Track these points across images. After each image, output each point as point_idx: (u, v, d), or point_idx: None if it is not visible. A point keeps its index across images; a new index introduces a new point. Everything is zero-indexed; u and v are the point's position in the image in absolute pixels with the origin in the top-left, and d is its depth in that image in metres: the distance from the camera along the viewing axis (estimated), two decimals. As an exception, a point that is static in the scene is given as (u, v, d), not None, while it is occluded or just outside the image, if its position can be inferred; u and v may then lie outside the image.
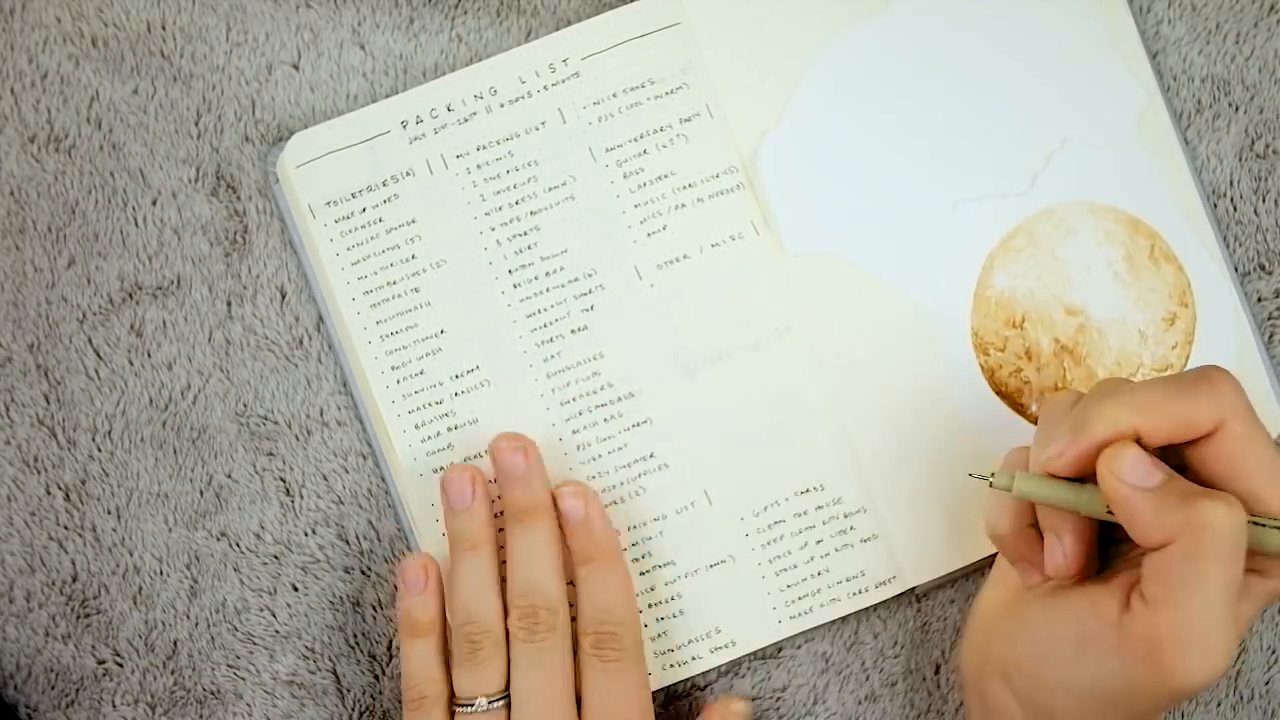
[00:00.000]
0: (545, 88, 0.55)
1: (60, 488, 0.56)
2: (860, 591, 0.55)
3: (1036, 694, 0.47)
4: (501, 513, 0.54)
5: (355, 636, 0.56)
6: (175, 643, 0.56)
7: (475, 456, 0.55)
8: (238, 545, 0.56)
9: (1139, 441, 0.44)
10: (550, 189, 0.55)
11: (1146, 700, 0.44)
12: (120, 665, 0.56)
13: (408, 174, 0.55)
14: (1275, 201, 0.57)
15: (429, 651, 0.53)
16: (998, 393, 0.55)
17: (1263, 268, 0.57)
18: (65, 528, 0.56)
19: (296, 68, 0.56)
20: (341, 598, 0.56)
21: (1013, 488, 0.46)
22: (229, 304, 0.56)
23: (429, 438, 0.55)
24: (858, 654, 0.56)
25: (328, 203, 0.55)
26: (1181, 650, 0.42)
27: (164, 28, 0.56)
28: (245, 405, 0.56)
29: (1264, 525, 0.44)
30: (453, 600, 0.53)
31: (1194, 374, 0.45)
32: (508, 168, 0.55)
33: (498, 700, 0.51)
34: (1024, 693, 0.47)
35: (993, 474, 0.47)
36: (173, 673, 0.56)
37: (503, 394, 0.55)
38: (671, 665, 0.55)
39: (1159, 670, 0.43)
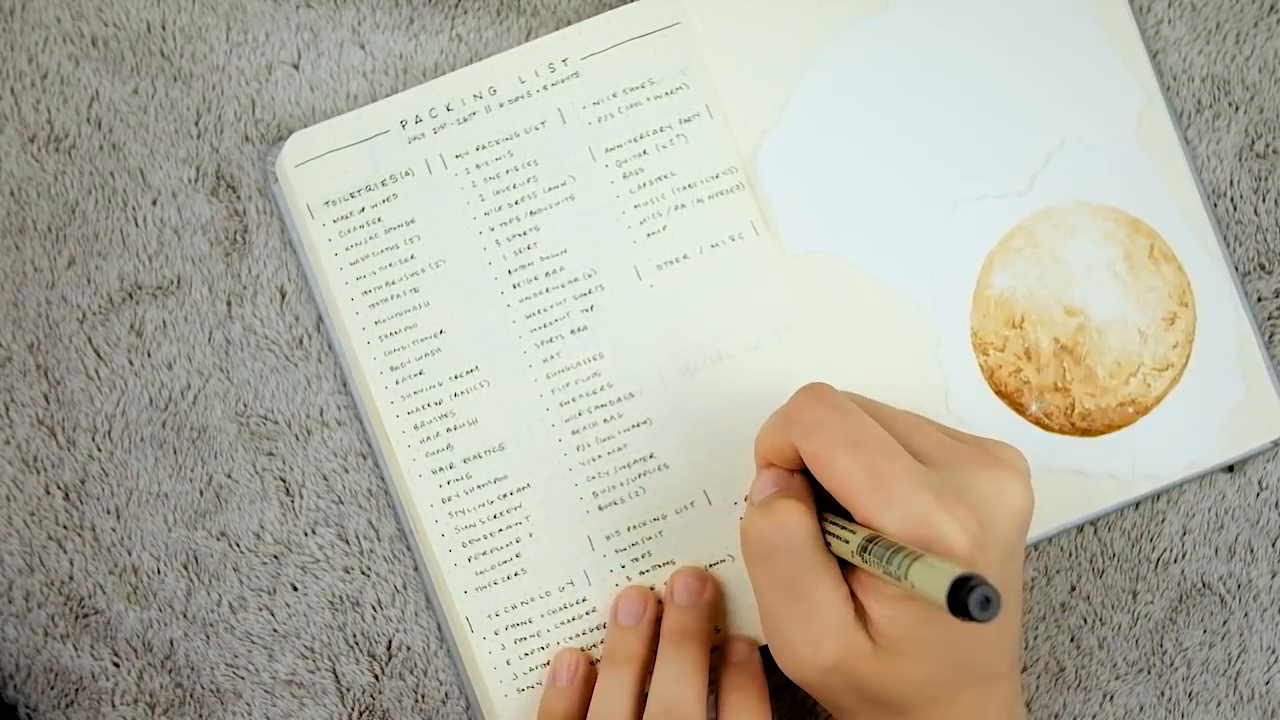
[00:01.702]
0: (545, 87, 0.55)
1: (60, 487, 0.56)
2: (860, 591, 0.55)
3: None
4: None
5: (355, 636, 0.56)
6: (173, 642, 0.56)
7: (475, 457, 0.55)
8: (237, 545, 0.56)
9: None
10: (550, 189, 0.55)
11: (796, 684, 0.48)
12: (119, 665, 0.56)
13: (407, 174, 0.55)
14: (1275, 201, 0.57)
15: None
16: (997, 393, 0.55)
17: (1263, 267, 0.57)
18: (64, 527, 0.56)
19: (296, 68, 0.56)
20: (341, 598, 0.56)
21: None
22: (229, 304, 0.56)
23: (428, 438, 0.55)
24: (857, 654, 0.56)
25: (327, 202, 0.55)
26: (770, 643, 0.48)
27: (164, 28, 0.56)
28: (245, 405, 0.56)
29: (838, 536, 0.46)
30: (592, 709, 0.53)
31: (787, 402, 0.48)
32: (507, 168, 0.55)
33: None
34: None
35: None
36: (171, 672, 0.56)
37: (502, 394, 0.55)
38: (671, 665, 0.55)
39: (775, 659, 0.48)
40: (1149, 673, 0.57)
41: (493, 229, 0.55)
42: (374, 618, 0.56)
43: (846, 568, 0.46)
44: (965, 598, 0.37)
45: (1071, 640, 0.57)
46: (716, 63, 0.55)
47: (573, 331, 0.55)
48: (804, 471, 0.49)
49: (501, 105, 0.55)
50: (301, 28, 0.56)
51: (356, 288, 0.55)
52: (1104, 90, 0.56)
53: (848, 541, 0.45)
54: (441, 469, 0.55)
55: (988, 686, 0.47)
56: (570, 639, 0.55)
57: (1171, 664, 0.57)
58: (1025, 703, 0.56)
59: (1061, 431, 0.55)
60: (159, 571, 0.56)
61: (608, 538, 0.55)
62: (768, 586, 0.47)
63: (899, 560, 0.41)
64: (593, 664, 0.55)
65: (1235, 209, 0.57)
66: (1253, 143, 0.57)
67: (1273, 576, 0.57)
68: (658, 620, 0.54)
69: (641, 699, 0.53)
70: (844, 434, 0.45)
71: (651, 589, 0.55)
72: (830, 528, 0.46)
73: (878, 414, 0.47)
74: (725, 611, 0.55)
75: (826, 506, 0.48)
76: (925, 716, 0.47)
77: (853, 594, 0.46)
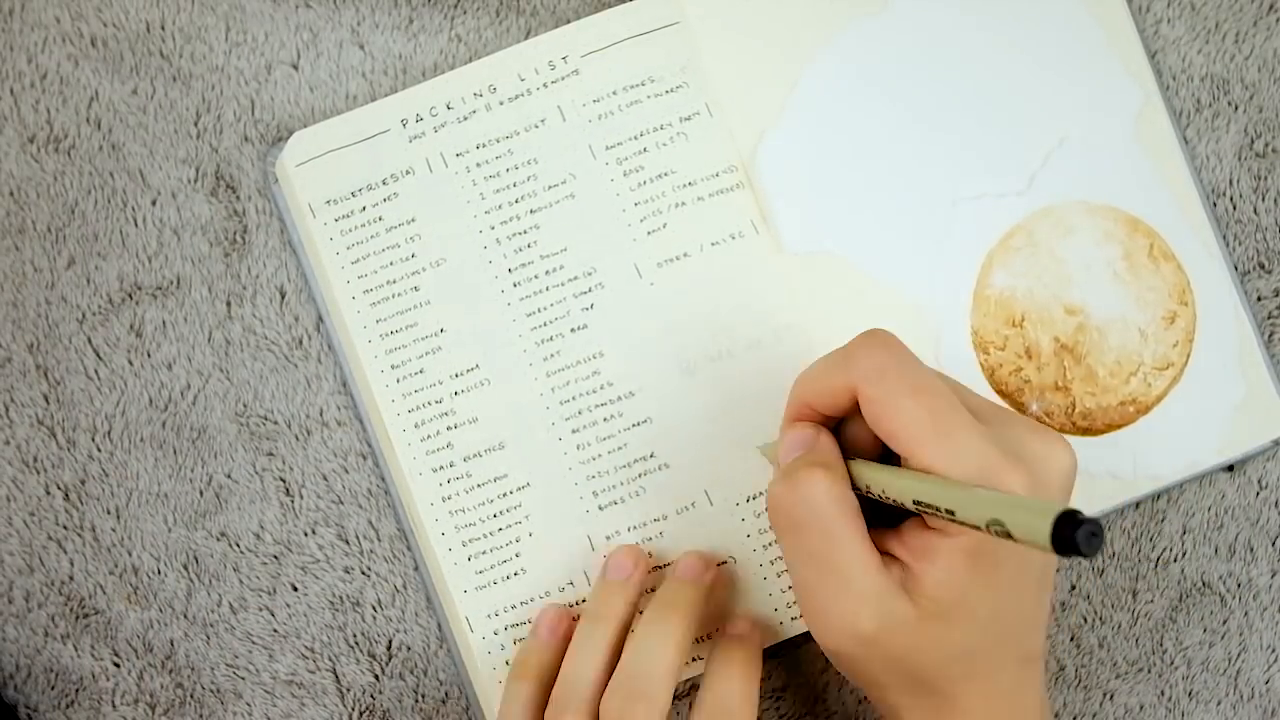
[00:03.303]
0: (545, 86, 0.55)
1: (60, 488, 0.56)
2: (860, 591, 0.55)
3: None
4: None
5: (355, 636, 0.56)
6: (174, 642, 0.56)
7: (475, 455, 0.55)
8: (237, 545, 0.56)
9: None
10: (550, 187, 0.55)
11: (831, 659, 0.47)
12: (119, 665, 0.56)
13: (407, 173, 0.55)
14: (1275, 200, 0.57)
15: (524, 698, 0.51)
16: (998, 391, 0.55)
17: (1262, 266, 0.57)
18: (64, 528, 0.56)
19: (296, 68, 0.56)
20: (341, 598, 0.56)
21: (768, 455, 0.53)
22: (229, 304, 0.56)
23: (428, 437, 0.55)
24: (858, 653, 0.56)
25: (327, 202, 0.55)
26: (805, 618, 0.47)
27: (163, 28, 0.56)
28: (245, 405, 0.56)
29: (885, 484, 0.45)
30: (564, 665, 0.51)
31: (842, 347, 0.47)
32: (507, 166, 0.55)
33: None
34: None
35: (763, 445, 0.54)
36: (172, 673, 0.56)
37: (502, 393, 0.55)
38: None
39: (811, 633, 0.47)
40: (1149, 672, 0.57)
41: (493, 227, 0.55)
42: (374, 618, 0.56)
43: (889, 530, 0.45)
44: (1074, 532, 0.36)
45: (1071, 639, 0.57)
46: (716, 61, 0.55)
47: (573, 330, 0.55)
48: (832, 428, 0.48)
49: (501, 104, 0.55)
50: (301, 28, 0.56)
51: (357, 286, 0.55)
52: (1103, 90, 0.56)
53: (889, 496, 0.44)
54: (441, 468, 0.55)
55: (1024, 668, 0.47)
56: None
57: (1171, 663, 0.57)
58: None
59: (1062, 430, 0.55)
60: (159, 572, 0.56)
61: (608, 538, 0.55)
62: (797, 558, 0.46)
63: (971, 504, 0.40)
64: (575, 620, 0.54)
65: (1235, 208, 0.57)
66: (1252, 142, 0.57)
67: (1273, 576, 0.57)
68: (644, 586, 0.54)
69: (613, 660, 0.51)
70: (909, 380, 0.44)
71: (649, 555, 0.55)
72: (873, 475, 0.45)
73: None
74: (731, 612, 0.55)
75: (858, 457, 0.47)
76: (965, 691, 0.46)
77: (892, 557, 0.45)
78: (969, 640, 0.45)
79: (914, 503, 0.43)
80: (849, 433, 0.48)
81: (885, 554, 0.45)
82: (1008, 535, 0.38)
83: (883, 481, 0.44)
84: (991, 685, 0.46)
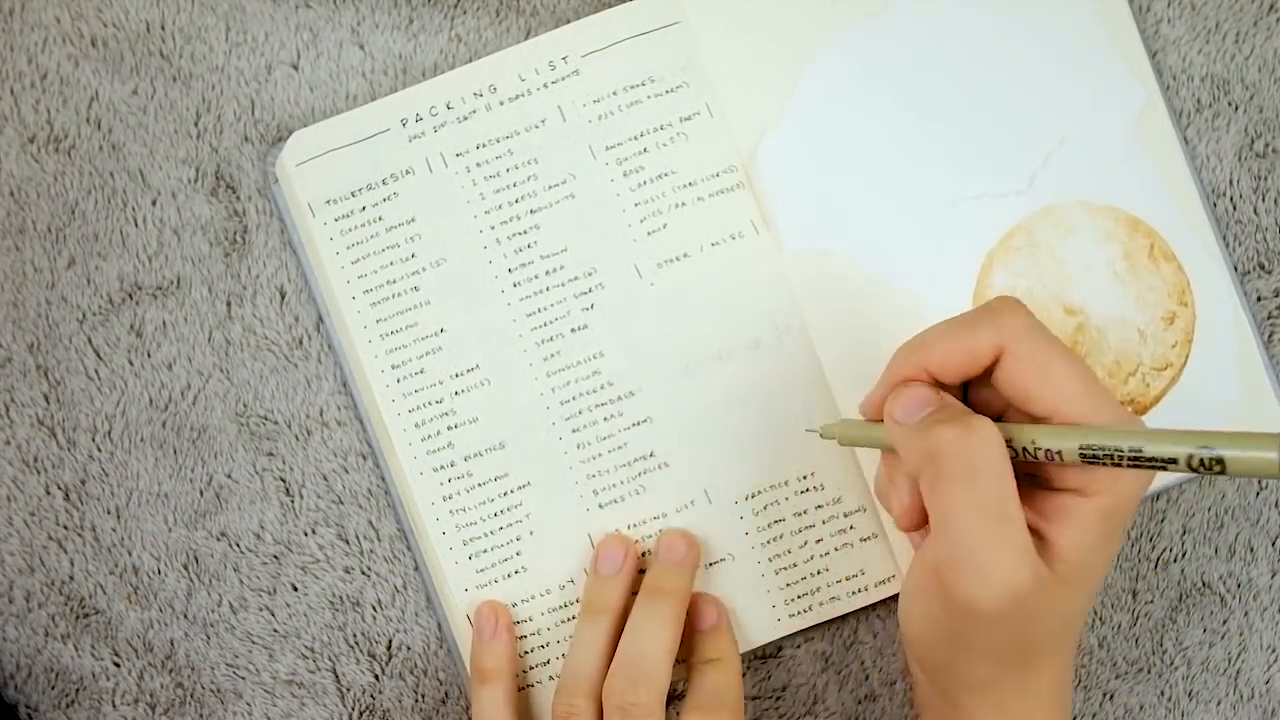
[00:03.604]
0: (545, 86, 0.55)
1: (60, 488, 0.56)
2: (860, 590, 0.55)
3: (921, 657, 0.48)
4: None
5: (355, 636, 0.56)
6: (174, 642, 0.56)
7: (475, 455, 0.55)
8: (237, 545, 0.56)
9: (939, 380, 0.46)
10: (550, 187, 0.55)
11: (957, 626, 0.45)
12: (119, 665, 0.56)
13: (407, 172, 0.55)
14: (1275, 201, 0.57)
15: (496, 699, 0.53)
16: (997, 391, 0.55)
17: (1262, 266, 0.57)
18: (65, 528, 0.56)
19: (296, 68, 0.56)
20: (341, 598, 0.56)
21: (833, 435, 0.50)
22: (229, 304, 0.56)
23: (428, 436, 0.55)
24: (857, 653, 0.56)
25: (327, 201, 0.55)
26: (955, 573, 0.44)
27: (163, 28, 0.56)
28: (245, 405, 0.56)
29: (1030, 455, 0.44)
30: (568, 656, 0.53)
31: (979, 308, 0.46)
32: (507, 166, 0.55)
33: None
34: (916, 660, 0.48)
35: (822, 426, 0.52)
36: (172, 672, 0.56)
37: (502, 393, 0.55)
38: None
39: (944, 594, 0.44)
40: (1149, 672, 0.57)
41: (493, 227, 0.55)
42: (374, 618, 0.56)
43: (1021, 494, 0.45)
44: None
45: (1072, 639, 0.57)
46: (716, 61, 0.55)
47: (573, 330, 0.55)
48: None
49: (502, 103, 0.55)
50: (301, 28, 0.56)
51: (357, 286, 0.55)
52: (1104, 89, 0.56)
53: (1043, 448, 0.44)
54: (442, 467, 0.55)
55: (1074, 647, 0.48)
56: (570, 637, 0.55)
57: (1171, 663, 0.57)
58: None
59: (1061, 430, 0.55)
60: (159, 572, 0.56)
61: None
62: (966, 511, 0.43)
63: (1175, 435, 0.40)
64: (511, 608, 0.55)
65: (1235, 208, 0.57)
66: (1252, 142, 0.57)
67: (1273, 576, 0.57)
68: (636, 573, 0.55)
69: (615, 644, 0.53)
70: (1055, 341, 0.44)
71: (636, 541, 0.55)
72: (1027, 432, 0.45)
73: None
74: (724, 609, 0.55)
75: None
76: (1045, 670, 0.46)
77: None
78: (1082, 605, 0.45)
79: (1081, 449, 0.43)
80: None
81: None
82: (1217, 466, 0.39)
83: (1032, 434, 0.44)
84: (1063, 660, 0.47)
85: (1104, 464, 0.42)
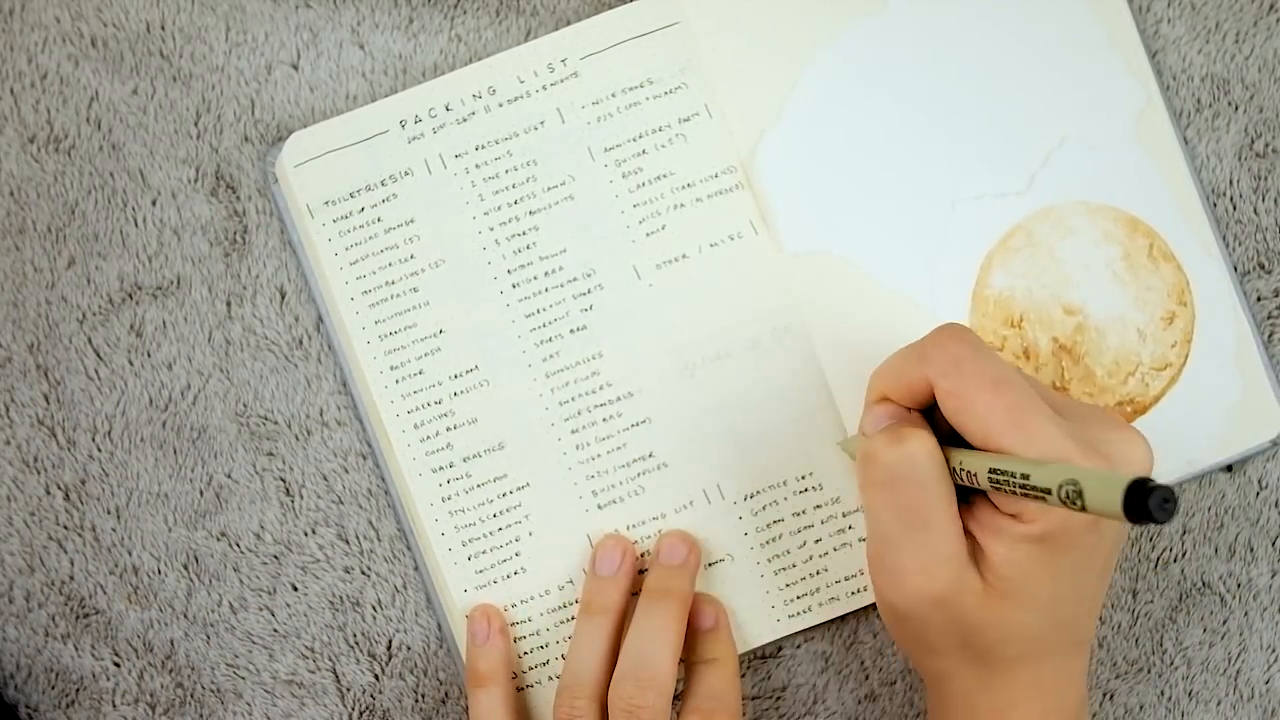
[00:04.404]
0: (544, 87, 0.55)
1: (60, 488, 0.56)
2: (859, 590, 0.55)
3: (895, 640, 0.50)
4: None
5: (355, 636, 0.56)
6: (174, 642, 0.56)
7: (474, 456, 0.55)
8: (237, 545, 0.56)
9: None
10: (549, 189, 0.55)
11: (891, 620, 0.48)
12: (119, 665, 0.56)
13: (406, 173, 0.55)
14: (1275, 201, 0.57)
15: (494, 702, 0.53)
16: (997, 392, 0.55)
17: (1262, 266, 0.57)
18: (65, 528, 0.56)
19: (296, 68, 0.56)
20: (341, 598, 0.56)
21: (847, 450, 0.54)
22: (229, 304, 0.56)
23: (428, 437, 0.55)
24: (856, 653, 0.57)
25: (326, 202, 0.55)
26: (876, 572, 0.47)
27: (163, 28, 0.56)
28: (245, 405, 0.56)
29: (963, 463, 0.45)
30: (568, 658, 0.53)
31: (918, 341, 0.48)
32: (506, 167, 0.55)
33: None
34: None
35: (842, 441, 0.55)
36: (172, 672, 0.56)
37: (502, 394, 0.55)
38: (671, 665, 0.55)
39: (874, 590, 0.48)
40: (1149, 672, 0.57)
41: (492, 229, 0.55)
42: (374, 618, 0.56)
43: (962, 507, 0.46)
44: (1147, 499, 0.36)
45: (1071, 639, 0.57)
46: (715, 62, 0.55)
47: (572, 331, 0.55)
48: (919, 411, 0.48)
49: (501, 105, 0.55)
50: (301, 28, 0.56)
51: (356, 287, 0.55)
52: (1103, 90, 0.56)
53: (966, 469, 0.45)
54: (441, 468, 0.55)
55: (1074, 654, 0.48)
56: (569, 638, 0.55)
57: (1171, 663, 0.57)
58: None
59: (1061, 431, 0.55)
60: (159, 571, 0.56)
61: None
62: (888, 513, 0.46)
63: (1044, 472, 0.41)
64: (510, 608, 0.55)
65: (1235, 208, 0.57)
66: (1252, 142, 0.57)
67: (1273, 576, 0.57)
68: (635, 573, 0.55)
69: (615, 650, 0.53)
70: (986, 373, 0.45)
71: (634, 542, 0.55)
72: (954, 454, 0.46)
73: None
74: (724, 609, 0.55)
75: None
76: (1016, 671, 0.47)
77: (968, 533, 0.46)
78: (1028, 622, 0.46)
79: (990, 473, 0.43)
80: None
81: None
82: (1080, 502, 0.39)
83: (960, 456, 0.45)
84: (1042, 668, 0.47)
85: (1007, 491, 0.43)
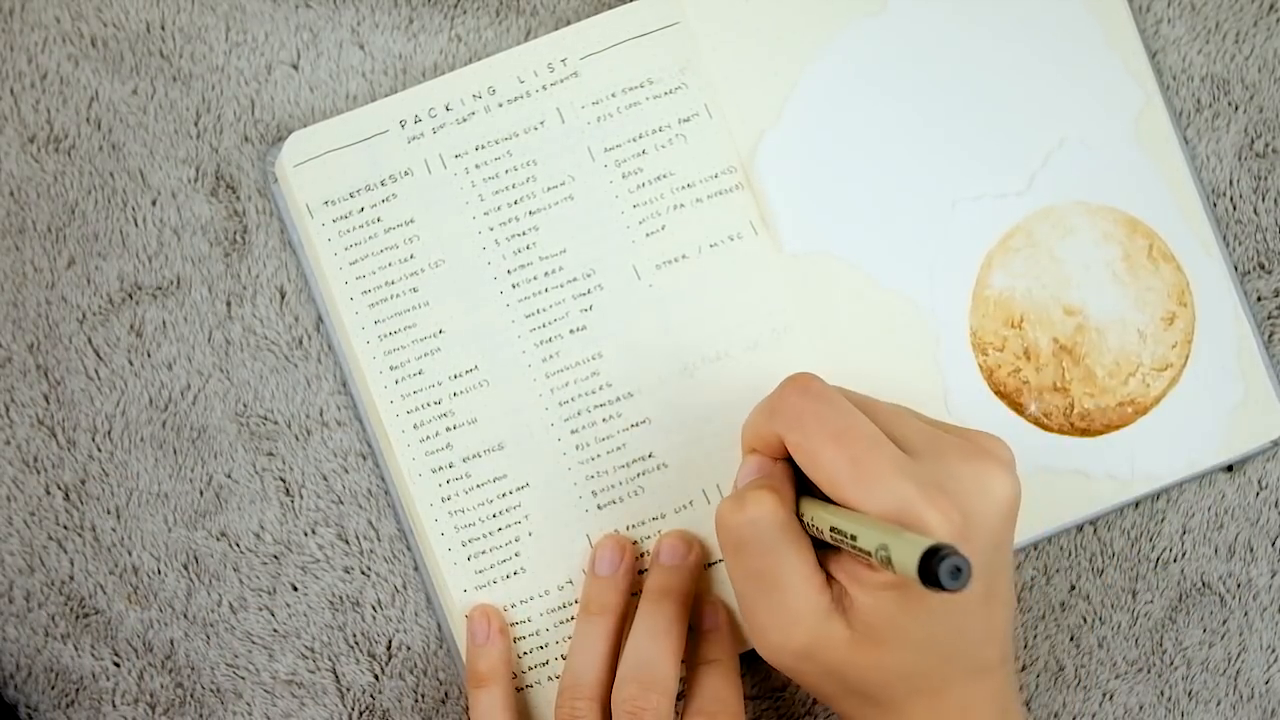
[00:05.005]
0: (544, 87, 0.55)
1: (60, 488, 0.56)
2: (859, 591, 0.55)
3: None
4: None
5: (355, 636, 0.56)
6: (174, 642, 0.56)
7: (474, 456, 0.55)
8: (237, 545, 0.56)
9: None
10: (549, 189, 0.55)
11: (774, 669, 0.50)
12: (119, 665, 0.56)
13: (406, 173, 0.55)
14: (1275, 201, 0.57)
15: (494, 702, 0.53)
16: (996, 393, 0.55)
17: (1262, 266, 0.57)
18: (65, 528, 0.56)
19: (296, 68, 0.56)
20: (341, 598, 0.56)
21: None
22: (229, 304, 0.56)
23: (428, 437, 0.55)
24: (857, 653, 0.56)
25: (326, 202, 0.55)
26: (746, 629, 0.49)
27: (163, 28, 0.56)
28: (245, 405, 0.56)
29: (814, 517, 0.46)
30: (569, 659, 0.53)
31: (770, 395, 0.48)
32: (506, 167, 0.55)
33: None
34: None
35: None
36: (172, 672, 0.56)
37: (501, 394, 0.55)
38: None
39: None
40: (1149, 672, 0.57)
41: (492, 229, 0.55)
42: (374, 618, 0.56)
43: (832, 552, 0.47)
44: (936, 567, 0.38)
45: (1071, 639, 0.57)
46: (715, 62, 0.55)
47: (572, 331, 0.55)
48: (788, 459, 0.49)
49: (501, 105, 0.55)
50: (301, 28, 0.56)
51: (356, 287, 0.55)
52: (1103, 90, 0.56)
53: (815, 525, 0.45)
54: (441, 468, 0.55)
55: (977, 680, 0.47)
56: (569, 638, 0.55)
57: (1171, 663, 0.57)
58: (1025, 702, 0.56)
59: (1060, 431, 0.55)
60: (159, 571, 0.56)
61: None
62: (740, 575, 0.48)
63: (868, 534, 0.42)
64: (509, 608, 0.55)
65: (1235, 208, 0.57)
66: (1252, 142, 0.57)
67: (1273, 576, 0.57)
68: (634, 573, 0.55)
69: (616, 650, 0.53)
70: (828, 425, 0.45)
71: (634, 542, 0.55)
72: (807, 508, 0.47)
73: (863, 405, 0.48)
74: (724, 610, 0.55)
75: (810, 489, 0.48)
76: (911, 707, 0.47)
77: (834, 579, 0.46)
78: (905, 662, 0.46)
79: (831, 531, 0.44)
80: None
81: (831, 576, 0.46)
82: (890, 566, 0.40)
83: (813, 511, 0.46)
84: (939, 701, 0.47)
85: (846, 548, 0.44)
